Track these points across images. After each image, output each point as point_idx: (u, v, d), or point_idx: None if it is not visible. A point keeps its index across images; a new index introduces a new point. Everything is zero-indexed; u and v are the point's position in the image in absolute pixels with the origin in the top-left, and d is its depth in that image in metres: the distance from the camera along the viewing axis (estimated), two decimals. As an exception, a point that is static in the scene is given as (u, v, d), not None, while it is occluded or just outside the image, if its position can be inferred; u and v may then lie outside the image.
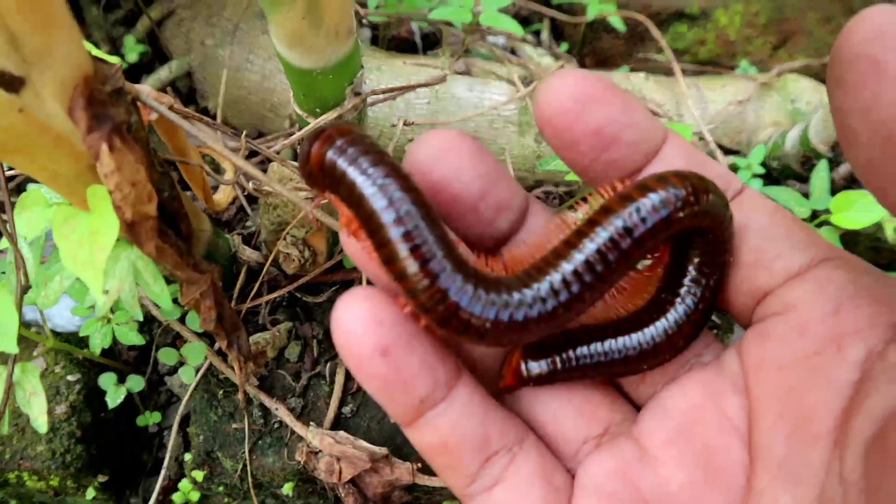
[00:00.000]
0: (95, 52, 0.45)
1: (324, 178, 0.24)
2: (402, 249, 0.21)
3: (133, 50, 0.82)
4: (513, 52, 0.92)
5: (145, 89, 0.49)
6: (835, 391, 0.21)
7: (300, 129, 0.56)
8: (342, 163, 0.23)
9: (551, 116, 0.23)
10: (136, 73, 0.84)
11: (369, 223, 0.22)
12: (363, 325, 0.22)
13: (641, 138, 0.24)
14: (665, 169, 0.24)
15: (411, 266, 0.21)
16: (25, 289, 0.47)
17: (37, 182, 0.48)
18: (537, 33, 1.01)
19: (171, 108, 0.49)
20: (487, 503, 0.24)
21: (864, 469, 0.19)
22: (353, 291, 0.23)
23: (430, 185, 0.24)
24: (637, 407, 0.28)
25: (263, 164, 0.76)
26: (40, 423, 0.48)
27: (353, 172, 0.23)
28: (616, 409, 0.27)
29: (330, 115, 0.54)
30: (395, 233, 0.22)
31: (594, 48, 0.98)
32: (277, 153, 0.63)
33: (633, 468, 0.24)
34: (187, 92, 0.84)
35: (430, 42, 0.94)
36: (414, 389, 0.23)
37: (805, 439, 0.21)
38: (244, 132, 0.50)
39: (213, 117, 0.79)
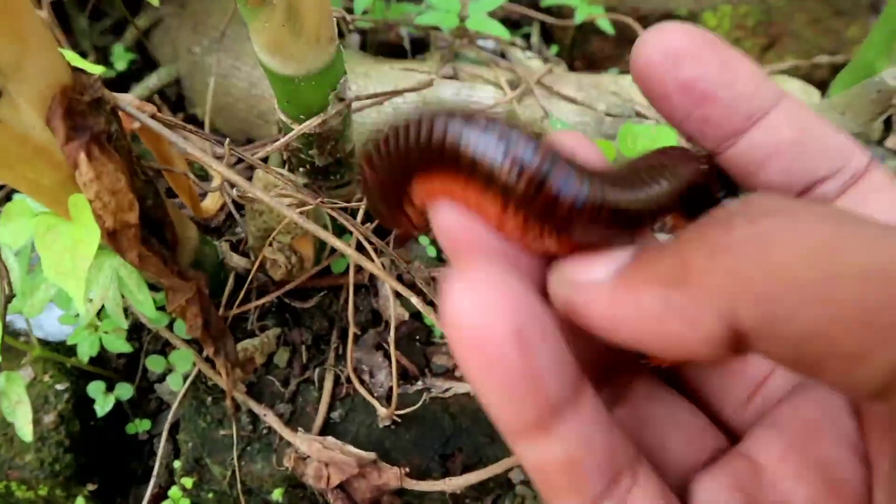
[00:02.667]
0: (77, 61, 0.45)
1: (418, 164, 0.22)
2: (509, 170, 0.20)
3: (121, 58, 0.82)
4: (502, 55, 0.93)
5: (127, 98, 0.49)
6: None
7: (285, 135, 0.56)
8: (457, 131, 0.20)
9: (643, 68, 0.23)
10: (125, 81, 0.85)
11: (481, 174, 0.21)
12: (493, 307, 0.18)
13: (743, 99, 0.23)
14: (770, 134, 0.24)
15: (512, 173, 0.20)
16: (10, 298, 0.47)
17: (21, 192, 0.48)
18: (527, 37, 1.01)
19: (153, 116, 0.49)
20: None
21: None
22: (470, 274, 0.19)
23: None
24: (731, 433, 0.26)
25: (251, 171, 0.76)
26: (25, 431, 0.48)
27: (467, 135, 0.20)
28: (718, 435, 0.25)
29: (314, 122, 0.54)
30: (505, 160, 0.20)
31: (584, 51, 0.98)
32: (264, 160, 0.63)
33: (750, 484, 0.23)
34: (176, 99, 0.84)
35: (420, 46, 0.94)
36: (544, 388, 0.19)
37: None
38: (227, 139, 0.50)
39: (202, 124, 0.79)
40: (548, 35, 1.02)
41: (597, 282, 0.20)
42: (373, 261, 0.52)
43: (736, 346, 0.18)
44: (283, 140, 0.53)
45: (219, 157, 0.51)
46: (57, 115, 0.40)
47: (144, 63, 0.85)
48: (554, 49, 0.99)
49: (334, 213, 0.52)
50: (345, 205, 0.55)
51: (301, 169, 0.61)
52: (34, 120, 0.40)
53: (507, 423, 0.20)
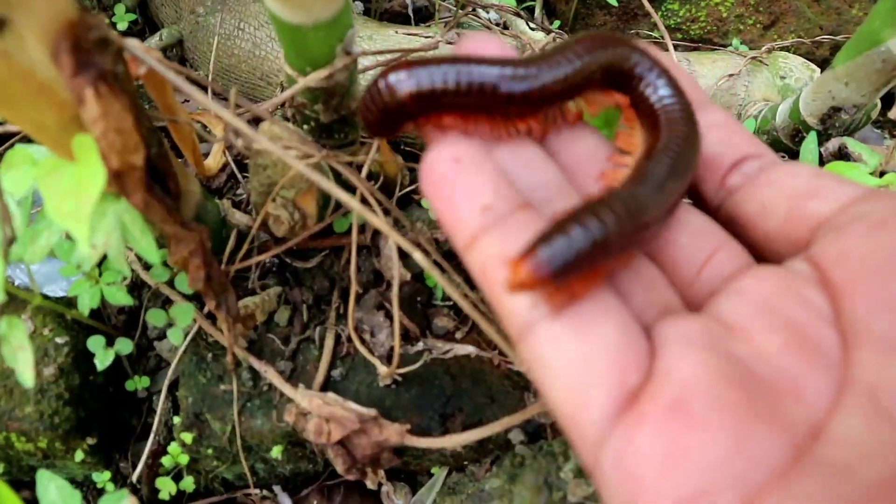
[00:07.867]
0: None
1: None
2: None
3: (123, 18, 0.81)
4: (505, 26, 0.92)
5: (133, 42, 0.48)
6: None
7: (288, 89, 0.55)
8: None
9: None
10: (126, 43, 0.84)
11: None
12: (443, 150, 0.26)
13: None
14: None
15: None
16: (11, 240, 0.47)
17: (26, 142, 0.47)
18: (531, 11, 1.01)
19: (159, 60, 0.49)
20: (553, 329, 0.22)
21: None
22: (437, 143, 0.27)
23: None
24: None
25: (254, 127, 0.76)
26: (27, 377, 0.47)
27: None
28: (677, 297, 0.26)
29: (320, 74, 0.54)
30: None
31: (587, 25, 0.98)
32: (272, 112, 0.63)
33: (720, 336, 0.23)
34: (178, 61, 0.83)
35: (423, 17, 0.94)
36: (479, 197, 0.25)
37: None
38: (233, 88, 0.50)
39: (204, 86, 0.78)
40: (551, 9, 1.02)
41: None
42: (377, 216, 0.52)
43: None
44: (289, 91, 0.53)
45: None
46: (64, 49, 0.39)
47: (147, 24, 0.84)
48: (556, 24, 0.99)
49: (339, 168, 0.52)
50: (350, 159, 0.54)
51: (305, 126, 0.60)
52: (39, 55, 0.39)
53: (457, 231, 0.25)
